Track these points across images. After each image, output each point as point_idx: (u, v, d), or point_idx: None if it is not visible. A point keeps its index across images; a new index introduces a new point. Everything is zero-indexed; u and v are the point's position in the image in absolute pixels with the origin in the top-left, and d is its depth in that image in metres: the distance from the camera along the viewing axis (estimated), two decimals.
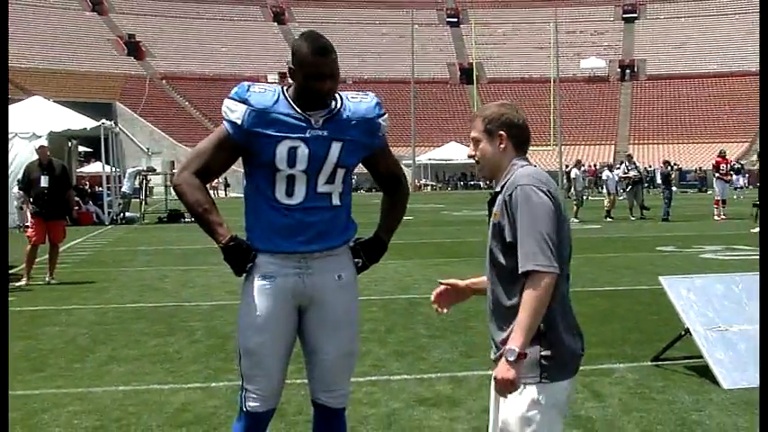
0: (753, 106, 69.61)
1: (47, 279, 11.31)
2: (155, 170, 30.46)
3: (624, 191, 25.14)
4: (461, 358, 6.46)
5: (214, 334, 7.54)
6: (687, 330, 5.82)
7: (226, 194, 46.88)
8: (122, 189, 26.49)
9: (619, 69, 79.23)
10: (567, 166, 38.86)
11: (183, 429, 4.78)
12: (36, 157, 11.85)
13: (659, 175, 30.94)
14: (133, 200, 27.12)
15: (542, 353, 2.59)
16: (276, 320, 3.19)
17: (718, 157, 24.51)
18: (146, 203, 27.81)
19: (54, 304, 9.54)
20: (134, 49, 76.98)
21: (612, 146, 67.45)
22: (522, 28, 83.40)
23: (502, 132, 2.76)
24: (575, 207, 23.19)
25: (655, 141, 67.16)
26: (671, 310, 6.12)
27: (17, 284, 11.03)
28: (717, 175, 24.08)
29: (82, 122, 24.26)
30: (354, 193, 3.46)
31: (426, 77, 74.08)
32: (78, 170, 33.02)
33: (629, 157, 26.48)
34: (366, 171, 3.48)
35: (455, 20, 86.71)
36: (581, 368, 2.82)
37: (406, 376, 5.96)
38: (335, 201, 3.23)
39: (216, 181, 51.13)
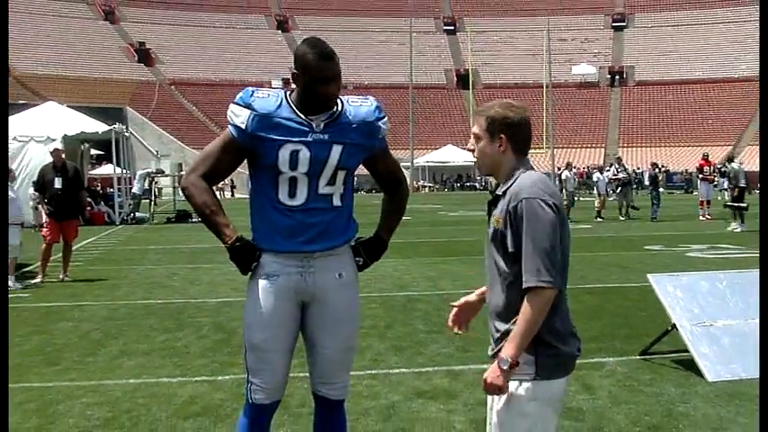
0: (736, 111, 69.81)
1: (61, 276, 11.32)
2: (163, 172, 30.49)
3: (614, 192, 25.14)
4: (458, 353, 6.46)
5: (221, 329, 7.54)
6: (674, 325, 5.83)
7: (232, 195, 46.88)
8: (132, 190, 26.47)
9: (608, 75, 79.17)
10: (558, 169, 38.85)
11: (191, 421, 4.79)
12: (50, 159, 11.86)
13: (647, 177, 30.93)
14: (143, 201, 27.10)
15: (540, 352, 2.57)
16: (280, 317, 3.19)
17: (702, 159, 24.50)
18: (155, 204, 27.80)
19: (68, 301, 9.54)
20: (144, 56, 76.95)
21: (602, 149, 67.40)
22: (516, 36, 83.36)
23: (502, 135, 2.67)
24: (566, 207, 23.15)
25: (643, 144, 67.13)
26: (658, 307, 6.12)
27: (33, 282, 11.04)
28: (701, 176, 24.08)
29: (94, 126, 24.25)
30: (355, 194, 3.45)
31: (424, 83, 74.04)
32: (90, 172, 33.01)
33: (619, 159, 26.48)
34: (367, 172, 3.47)
35: (452, 28, 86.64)
36: None
37: (405, 370, 5.96)
38: (336, 202, 3.23)
39: (222, 183, 51.21)
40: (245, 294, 3.28)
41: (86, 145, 26.25)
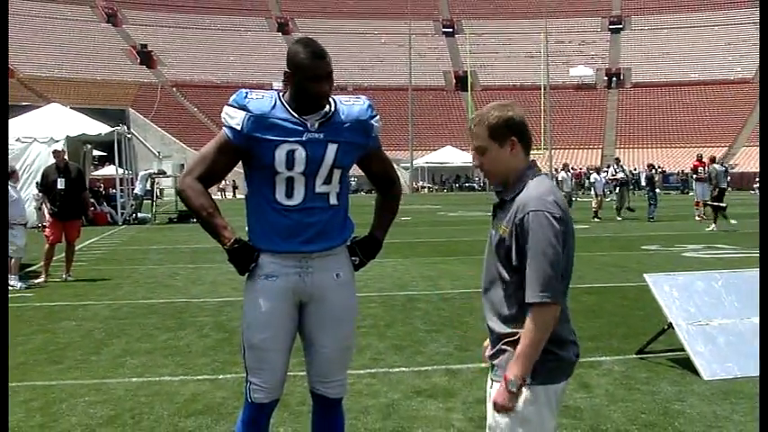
0: (732, 113, 69.88)
1: (64, 276, 11.31)
2: (165, 173, 30.45)
3: (611, 192, 25.15)
4: (457, 352, 6.46)
5: (222, 329, 7.54)
6: (670, 325, 5.83)
7: (234, 195, 46.86)
8: (135, 191, 26.47)
9: (605, 77, 79.23)
10: (556, 170, 38.86)
11: (193, 419, 4.79)
12: (53, 160, 11.86)
13: (644, 178, 30.94)
14: (145, 201, 27.10)
15: (540, 358, 2.53)
16: (278, 317, 3.18)
17: (696, 160, 24.49)
18: (155, 204, 27.77)
19: (71, 300, 9.54)
20: (146, 58, 77.00)
21: (600, 150, 67.41)
22: (514, 38, 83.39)
23: (513, 138, 2.58)
24: None
25: (640, 146, 67.16)
26: (655, 306, 6.12)
27: (36, 281, 11.04)
28: (695, 177, 24.07)
29: (97, 128, 24.24)
30: (355, 195, 3.46)
31: (423, 85, 74.08)
32: (93, 173, 33.00)
33: (617, 160, 26.54)
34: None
35: (450, 30, 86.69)
36: None
37: (405, 369, 5.95)
38: (333, 200, 3.22)
39: (224, 183, 51.20)
40: (243, 294, 3.27)
41: (89, 146, 26.25)
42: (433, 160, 62.47)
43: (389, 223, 3.48)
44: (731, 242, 15.60)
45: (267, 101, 3.14)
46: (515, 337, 2.55)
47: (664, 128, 70.11)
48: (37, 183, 12.69)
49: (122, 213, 25.32)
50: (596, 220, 23.40)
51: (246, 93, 3.18)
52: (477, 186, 59.59)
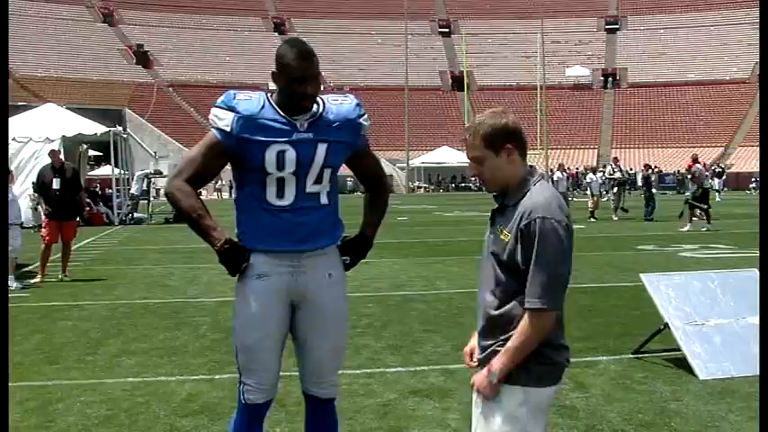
0: (727, 113, 70.00)
1: (60, 276, 11.30)
2: (161, 173, 30.38)
3: (608, 192, 25.16)
4: (453, 351, 6.45)
5: (218, 328, 7.53)
6: (666, 324, 5.84)
7: (230, 196, 46.83)
8: (131, 191, 26.44)
9: (602, 78, 79.32)
10: (551, 171, 38.88)
11: (189, 418, 4.79)
12: (49, 160, 11.85)
13: (640, 178, 30.97)
14: (141, 201, 27.06)
15: (533, 360, 2.54)
16: (271, 318, 3.16)
17: (691, 160, 24.52)
18: (152, 205, 27.72)
19: (67, 300, 9.52)
20: (142, 58, 76.90)
21: (596, 150, 67.49)
22: (510, 38, 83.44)
23: (509, 145, 2.56)
24: None
25: (636, 146, 67.26)
26: (651, 306, 6.13)
27: (32, 281, 11.03)
28: (690, 177, 24.10)
29: (93, 128, 24.22)
30: (350, 196, 3.46)
31: (419, 85, 74.07)
32: (89, 173, 32.94)
33: (615, 160, 26.56)
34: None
35: (447, 30, 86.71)
36: None
37: (401, 369, 5.96)
38: (323, 200, 3.21)
39: (220, 183, 51.22)
40: (235, 295, 3.25)
41: (85, 146, 26.22)
42: (430, 160, 62.51)
43: (379, 222, 3.47)
44: (727, 242, 15.63)
45: (255, 102, 3.12)
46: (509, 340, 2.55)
47: (660, 128, 70.22)
48: (33, 183, 12.68)
49: (119, 213, 25.29)
50: (592, 220, 23.43)
51: (234, 93, 3.16)
52: (473, 186, 59.61)
